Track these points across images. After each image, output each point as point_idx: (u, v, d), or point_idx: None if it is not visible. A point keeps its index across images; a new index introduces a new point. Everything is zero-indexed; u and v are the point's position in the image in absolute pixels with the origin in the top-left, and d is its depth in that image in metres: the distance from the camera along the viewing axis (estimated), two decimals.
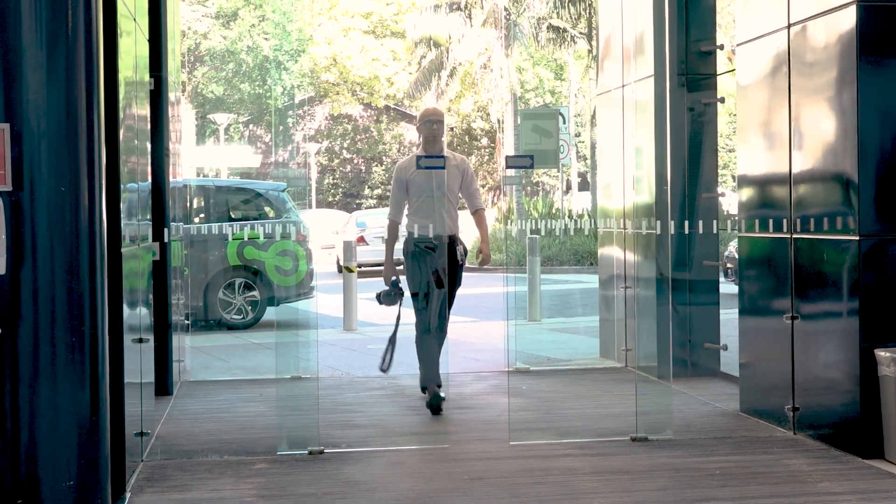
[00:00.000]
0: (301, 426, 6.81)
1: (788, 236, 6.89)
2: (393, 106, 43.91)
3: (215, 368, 10.31)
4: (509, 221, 25.78)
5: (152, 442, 6.75)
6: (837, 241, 6.40)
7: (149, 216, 7.31)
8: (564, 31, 31.19)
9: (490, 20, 32.06)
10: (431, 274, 7.66)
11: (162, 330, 8.27)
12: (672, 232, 8.54)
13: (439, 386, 7.79)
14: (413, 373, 8.40)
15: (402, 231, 8.08)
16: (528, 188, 39.77)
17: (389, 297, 8.01)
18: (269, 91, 38.90)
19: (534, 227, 13.38)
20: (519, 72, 37.30)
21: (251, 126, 42.71)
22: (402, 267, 7.96)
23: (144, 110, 6.95)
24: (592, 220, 12.54)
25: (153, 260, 7.28)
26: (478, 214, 8.11)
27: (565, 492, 5.67)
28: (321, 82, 41.37)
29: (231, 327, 13.40)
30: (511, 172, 13.03)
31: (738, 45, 7.63)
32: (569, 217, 25.24)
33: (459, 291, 8.04)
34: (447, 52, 33.14)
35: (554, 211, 28.65)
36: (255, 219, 14.20)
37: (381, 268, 8.27)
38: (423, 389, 7.86)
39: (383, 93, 41.68)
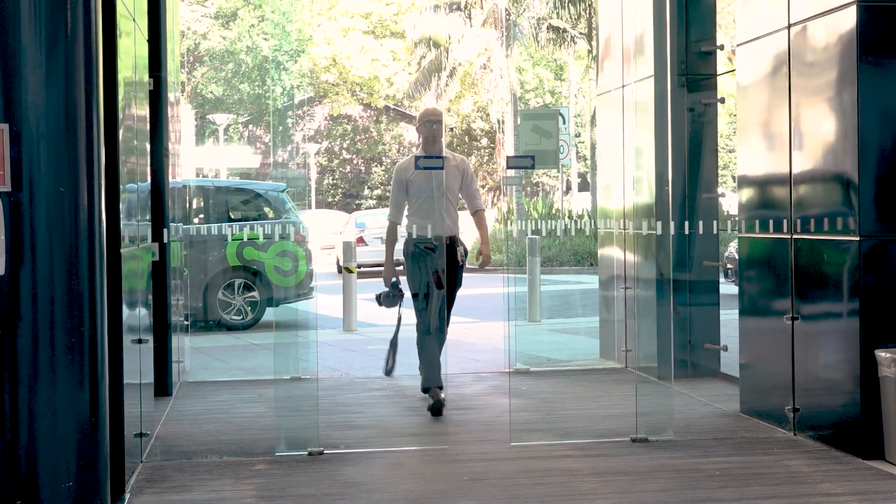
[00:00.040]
0: (300, 427, 6.80)
1: (789, 237, 6.89)
2: (392, 106, 43.92)
3: (215, 369, 10.30)
4: (509, 222, 25.78)
5: (152, 443, 6.74)
6: (838, 241, 6.39)
7: (148, 217, 7.30)
8: (564, 31, 31.19)
9: (490, 20, 32.05)
10: (431, 275, 7.64)
11: (161, 330, 8.26)
12: (672, 232, 8.53)
13: (440, 388, 7.76)
14: (413, 374, 8.39)
15: (402, 232, 8.07)
16: (528, 189, 39.77)
17: (389, 298, 7.99)
18: (268, 91, 38.91)
19: (535, 228, 13.38)
20: (519, 72, 37.30)
21: (250, 126, 42.71)
22: (401, 268, 7.94)
23: (144, 111, 6.94)
24: (592, 221, 12.54)
25: (152, 260, 7.27)
26: (478, 215, 8.09)
27: (565, 493, 5.66)
28: (321, 83, 41.38)
29: (230, 328, 13.39)
30: (511, 173, 13.01)
31: (738, 45, 7.62)
32: (569, 218, 25.24)
33: (459, 292, 8.04)
34: (447, 53, 33.14)
35: (554, 211, 28.65)
36: (255, 219, 14.19)
37: (380, 268, 8.26)
38: (425, 391, 7.83)
39: (383, 93, 41.69)
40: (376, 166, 45.30)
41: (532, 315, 13.42)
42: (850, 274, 6.29)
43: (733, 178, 26.68)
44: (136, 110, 6.38)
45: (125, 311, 5.65)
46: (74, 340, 5.04)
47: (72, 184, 5.04)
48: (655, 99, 8.85)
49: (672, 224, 8.52)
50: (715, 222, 8.88)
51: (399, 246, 7.93)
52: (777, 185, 7.07)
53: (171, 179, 8.71)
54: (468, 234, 8.30)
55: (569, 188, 36.68)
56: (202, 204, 14.20)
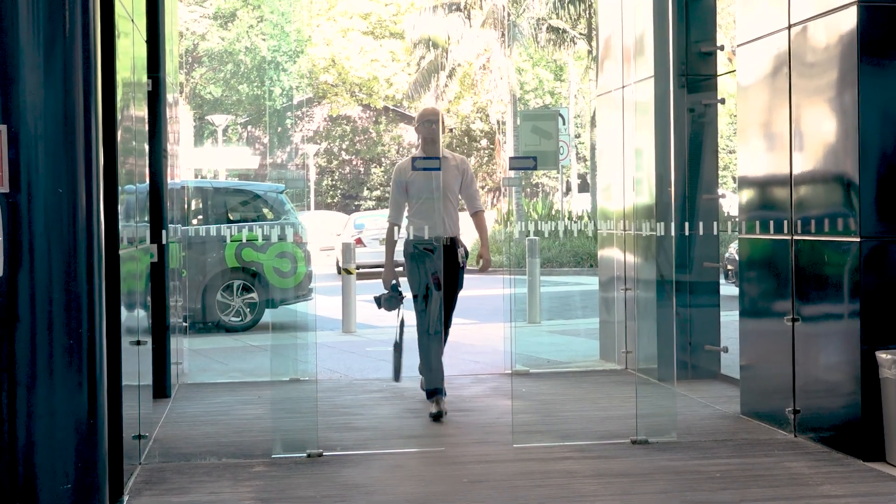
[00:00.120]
0: (299, 429, 6.79)
1: (789, 238, 6.87)
2: (392, 107, 43.93)
3: (213, 371, 10.29)
4: (509, 223, 25.76)
5: (150, 445, 6.73)
6: (838, 242, 6.37)
7: (147, 218, 7.29)
8: (564, 31, 31.18)
9: (489, 21, 32.05)
10: (431, 276, 7.60)
11: (160, 332, 8.24)
12: (672, 233, 8.52)
13: (444, 395, 7.70)
14: (413, 375, 8.37)
15: (403, 233, 8.02)
16: (528, 189, 39.76)
17: (389, 301, 7.91)
18: (266, 92, 38.90)
19: (538, 230, 13.35)
20: (518, 73, 37.31)
21: (249, 127, 42.70)
22: (400, 269, 7.90)
23: (142, 112, 6.93)
24: (592, 222, 12.52)
25: (151, 262, 7.26)
26: (477, 216, 8.03)
27: (565, 495, 5.64)
28: (320, 83, 41.37)
29: (229, 329, 13.38)
30: (512, 174, 13.00)
31: (738, 45, 7.61)
32: (569, 219, 25.24)
33: (460, 293, 8.00)
34: (446, 53, 33.13)
35: (554, 212, 28.64)
36: (254, 220, 14.17)
37: (378, 269, 8.21)
38: (429, 397, 7.75)
39: (382, 94, 41.69)
40: (375, 167, 45.30)
41: (532, 316, 13.41)
42: (850, 275, 6.28)
43: (734, 178, 26.68)
44: (134, 111, 6.36)
45: (124, 312, 5.64)
46: (73, 342, 5.03)
47: (70, 185, 5.02)
48: (656, 100, 8.84)
49: (672, 225, 8.50)
50: (715, 223, 8.87)
51: (399, 247, 7.88)
52: (777, 185, 7.06)
53: (169, 180, 8.70)
54: (468, 236, 8.27)
55: (569, 189, 36.67)
56: (201, 205, 14.18)
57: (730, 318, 8.81)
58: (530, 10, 31.04)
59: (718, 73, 9.09)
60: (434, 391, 7.65)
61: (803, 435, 6.79)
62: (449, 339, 7.99)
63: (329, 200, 44.20)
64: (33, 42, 4.99)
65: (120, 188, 5.60)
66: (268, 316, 13.60)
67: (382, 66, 40.65)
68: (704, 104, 8.98)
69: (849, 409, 6.32)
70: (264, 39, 39.76)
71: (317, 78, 41.03)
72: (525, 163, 7.72)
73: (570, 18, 30.59)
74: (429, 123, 7.83)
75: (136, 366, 6.19)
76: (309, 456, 6.47)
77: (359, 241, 22.18)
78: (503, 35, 31.49)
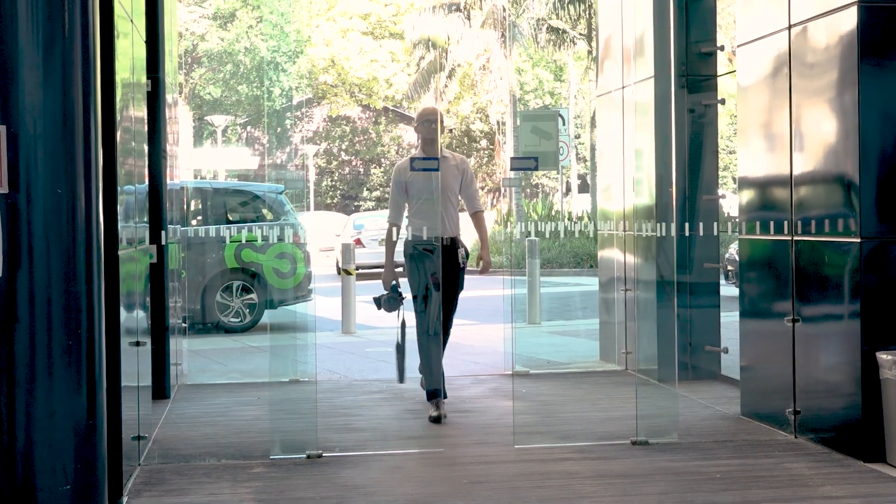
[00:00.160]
0: (299, 430, 6.78)
1: (789, 238, 6.86)
2: (391, 107, 43.92)
3: (213, 372, 10.28)
4: (509, 224, 25.76)
5: (149, 446, 6.72)
6: (838, 243, 6.37)
7: (146, 218, 7.28)
8: (564, 32, 31.18)
9: (489, 21, 32.04)
10: (430, 276, 7.58)
11: (159, 333, 8.23)
12: (673, 234, 8.51)
13: (444, 397, 7.68)
14: (414, 375, 8.35)
15: (403, 233, 7.99)
16: (528, 190, 39.76)
17: (389, 302, 7.89)
18: (266, 92, 38.90)
19: (539, 230, 13.34)
20: (518, 73, 37.31)
21: (249, 128, 42.69)
22: (400, 269, 7.88)
23: (141, 112, 6.92)
24: (592, 223, 12.52)
25: (150, 263, 7.25)
26: (477, 216, 8.00)
27: (565, 496, 5.63)
28: (319, 84, 41.36)
29: (229, 330, 13.37)
30: (513, 174, 13.00)
31: (738, 46, 7.60)
32: (568, 219, 25.23)
33: (460, 294, 7.96)
34: (446, 54, 33.12)
35: (554, 213, 28.63)
36: (253, 221, 14.16)
37: (377, 270, 8.18)
38: (428, 395, 7.73)
39: (382, 94, 41.70)
40: (375, 168, 45.30)
41: (532, 317, 13.40)
42: (850, 276, 6.27)
43: (734, 179, 26.68)
44: (133, 112, 6.35)
45: (123, 313, 5.63)
46: (72, 343, 5.02)
47: (69, 186, 5.01)
48: (656, 100, 8.82)
49: (673, 226, 8.49)
50: (715, 224, 8.86)
51: (399, 248, 7.85)
52: (777, 186, 7.05)
53: (168, 181, 8.69)
54: (468, 236, 8.26)
55: (568, 190, 36.67)
56: (200, 206, 14.17)
57: (730, 319, 8.80)
58: (530, 10, 31.04)
59: (718, 74, 9.08)
60: (434, 393, 7.63)
61: (804, 436, 6.78)
62: (449, 339, 7.96)
63: (329, 201, 44.19)
64: (32, 42, 4.98)
65: (119, 189, 5.59)
66: (266, 317, 13.59)
67: (382, 66, 40.66)
68: (704, 105, 8.97)
69: (849, 410, 6.31)
70: (264, 40, 39.75)
71: (316, 78, 41.03)
72: (526, 163, 7.71)
73: (570, 19, 30.59)
74: (428, 123, 7.80)
75: (136, 367, 6.19)
76: (308, 457, 6.46)
77: (358, 242, 22.17)
78: (503, 35, 31.49)
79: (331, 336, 12.82)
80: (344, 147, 45.60)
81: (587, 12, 29.62)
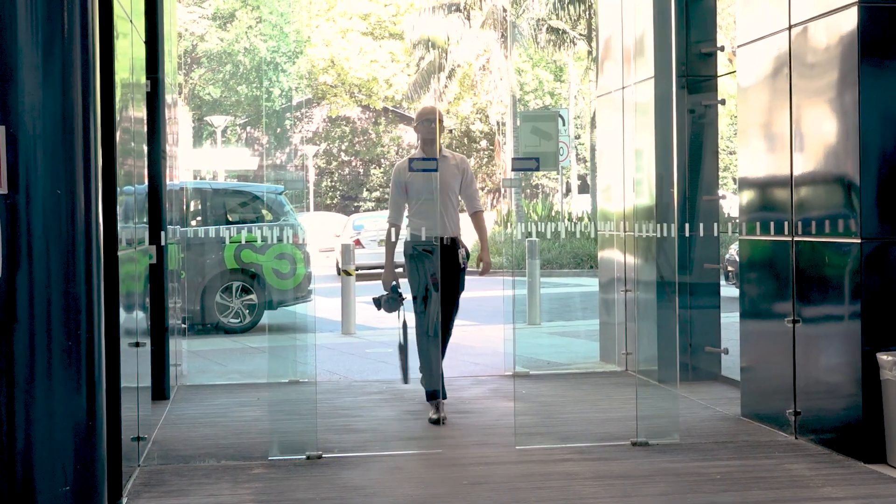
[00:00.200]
0: (299, 431, 6.77)
1: (789, 239, 6.86)
2: (391, 108, 43.91)
3: (212, 372, 10.27)
4: (509, 224, 25.75)
5: (149, 447, 6.71)
6: (839, 243, 6.36)
7: (145, 219, 7.28)
8: (564, 32, 31.17)
9: (489, 21, 32.04)
10: (430, 277, 7.55)
11: (159, 334, 8.22)
12: (673, 235, 8.50)
13: (444, 398, 7.65)
14: (415, 376, 8.33)
15: (403, 233, 7.96)
16: (528, 191, 39.75)
17: (389, 303, 7.87)
18: (265, 93, 38.90)
19: (540, 231, 13.33)
20: (518, 73, 37.30)
21: (248, 128, 42.68)
22: (400, 270, 7.86)
23: (141, 112, 6.91)
24: (592, 224, 12.52)
25: (150, 263, 7.24)
26: (476, 216, 7.97)
27: (566, 497, 5.63)
28: (319, 84, 41.35)
29: (228, 331, 13.35)
30: (512, 175, 12.98)
31: (738, 46, 7.60)
32: (569, 220, 25.22)
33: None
34: (446, 54, 33.11)
35: (554, 214, 28.62)
36: (253, 222, 14.15)
37: (376, 270, 8.15)
38: (427, 396, 7.70)
39: (381, 94, 41.68)
40: (375, 168, 45.28)
41: (532, 318, 13.38)
42: (851, 276, 6.27)
43: (734, 179, 26.67)
44: (133, 112, 6.35)
45: (122, 314, 5.62)
46: (71, 344, 5.01)
47: (69, 186, 5.00)
48: (657, 100, 8.82)
49: (674, 226, 8.48)
50: (715, 224, 8.85)
51: (399, 248, 7.83)
52: (778, 186, 7.04)
53: (168, 182, 8.68)
54: (468, 236, 8.24)
55: (568, 190, 36.66)
56: (200, 206, 14.16)
57: (730, 320, 8.79)
58: (530, 10, 31.03)
59: (719, 74, 9.08)
60: (433, 394, 7.61)
61: (804, 437, 6.78)
62: (450, 340, 7.92)
63: (328, 202, 44.17)
64: (31, 42, 4.97)
65: (119, 189, 5.58)
66: (266, 318, 13.58)
67: (382, 66, 40.65)
68: (705, 105, 8.97)
69: (850, 411, 6.30)
70: (263, 40, 39.74)
71: (316, 79, 41.02)
72: (528, 164, 7.69)
73: (570, 19, 30.58)
74: (428, 123, 7.75)
75: (135, 367, 6.18)
76: (308, 458, 6.46)
77: (357, 243, 22.15)
78: (503, 36, 31.49)
79: (330, 337, 12.81)
80: (343, 148, 45.59)
81: (587, 12, 29.62)
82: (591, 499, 5.59)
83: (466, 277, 7.84)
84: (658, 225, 8.68)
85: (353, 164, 45.88)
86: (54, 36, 5.00)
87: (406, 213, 7.87)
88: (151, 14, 8.04)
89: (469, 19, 32.48)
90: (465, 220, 8.13)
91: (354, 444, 6.90)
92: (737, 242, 8.01)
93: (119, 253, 5.53)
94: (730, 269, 12.50)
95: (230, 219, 14.23)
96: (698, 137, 8.99)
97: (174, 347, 8.87)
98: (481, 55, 33.33)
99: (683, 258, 8.79)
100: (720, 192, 9.26)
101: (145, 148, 7.26)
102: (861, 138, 6.15)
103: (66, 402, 5.02)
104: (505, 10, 31.47)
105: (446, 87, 34.25)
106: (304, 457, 6.46)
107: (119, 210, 5.58)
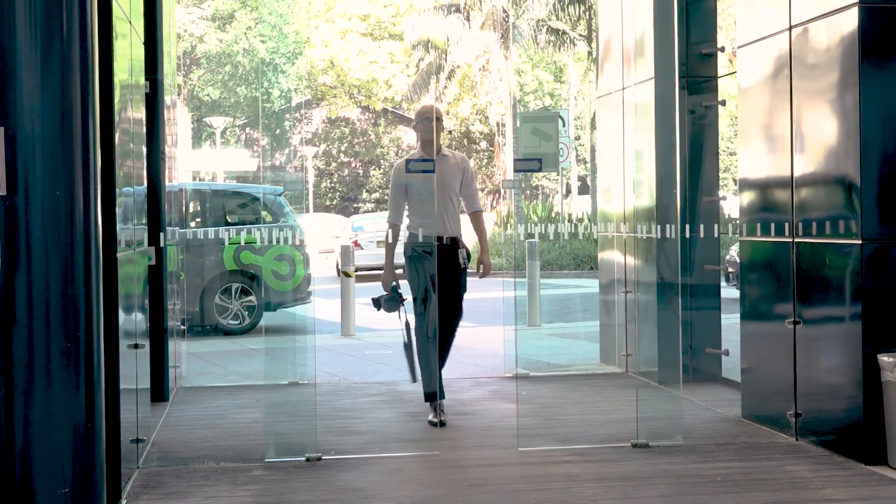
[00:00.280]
0: (298, 432, 6.76)
1: (790, 240, 6.84)
2: (391, 109, 43.90)
3: (211, 374, 10.25)
4: (509, 225, 25.74)
5: (148, 448, 6.70)
6: (839, 244, 6.35)
7: (144, 220, 7.26)
8: (564, 33, 31.16)
9: (489, 22, 32.03)
10: (430, 278, 7.52)
11: (158, 335, 8.21)
12: (673, 236, 8.49)
13: (437, 393, 7.62)
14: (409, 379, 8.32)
15: (404, 234, 7.92)
16: (528, 192, 39.75)
17: (389, 303, 7.83)
18: (264, 94, 38.89)
19: (542, 232, 13.33)
20: (518, 74, 37.30)
21: (247, 129, 42.67)
22: (400, 271, 7.83)
23: (140, 114, 6.89)
24: (592, 224, 12.51)
25: (149, 265, 7.23)
26: (476, 216, 7.93)
27: (566, 498, 5.61)
28: (318, 85, 41.34)
29: (227, 332, 13.34)
30: (512, 176, 12.99)
31: (739, 47, 7.59)
32: (569, 221, 25.22)
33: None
34: (445, 55, 33.11)
35: (554, 215, 28.61)
36: (252, 223, 14.14)
37: (375, 272, 8.12)
38: (426, 397, 7.67)
39: (381, 95, 41.67)
40: (374, 169, 45.27)
41: (532, 319, 13.37)
42: (852, 278, 6.25)
43: (734, 180, 26.69)
44: (132, 113, 6.33)
45: (121, 315, 5.61)
46: (70, 345, 5.00)
47: (67, 187, 4.99)
48: (659, 101, 8.80)
49: (672, 227, 8.47)
50: (716, 226, 8.84)
51: (399, 249, 7.79)
52: (778, 187, 7.03)
53: (167, 183, 8.67)
54: (469, 237, 8.23)
55: (569, 191, 36.66)
56: (199, 207, 14.15)
57: (731, 321, 8.78)
58: (530, 11, 31.03)
59: (719, 75, 9.07)
60: (432, 395, 7.59)
61: (805, 438, 6.76)
62: (453, 341, 7.86)
63: (328, 203, 44.16)
64: (30, 43, 4.96)
65: (118, 190, 5.57)
66: (265, 319, 13.56)
67: (381, 67, 40.64)
68: (705, 106, 8.96)
69: (850, 413, 6.29)
70: (262, 41, 39.72)
71: (315, 80, 41.01)
72: (530, 164, 7.67)
73: (570, 20, 30.57)
74: (427, 122, 7.69)
75: (134, 369, 6.16)
76: (308, 460, 6.44)
77: (356, 244, 22.14)
78: (503, 36, 31.48)
79: (330, 338, 12.80)
80: (343, 149, 45.58)
81: (587, 13, 29.61)
82: (591, 501, 5.57)
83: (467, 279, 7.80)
84: (659, 226, 8.66)
85: (353, 165, 45.87)
86: (53, 37, 4.99)
87: (406, 213, 7.83)
88: (150, 15, 8.04)
89: (469, 20, 32.47)
90: (465, 221, 8.11)
91: (354, 446, 6.88)
92: (737, 244, 8.00)
93: (118, 254, 5.51)
94: (730, 270, 12.50)
95: (229, 220, 14.22)
96: (699, 138, 8.98)
97: (173, 349, 8.86)
98: (481, 56, 33.33)
99: (684, 259, 8.78)
100: (720, 194, 9.25)
101: (144, 149, 7.24)
102: (862, 139, 6.14)
103: (64, 403, 5.01)
104: (505, 11, 31.47)
105: (446, 87, 34.24)
106: (304, 459, 6.45)
107: (118, 211, 5.57)
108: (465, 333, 12.44)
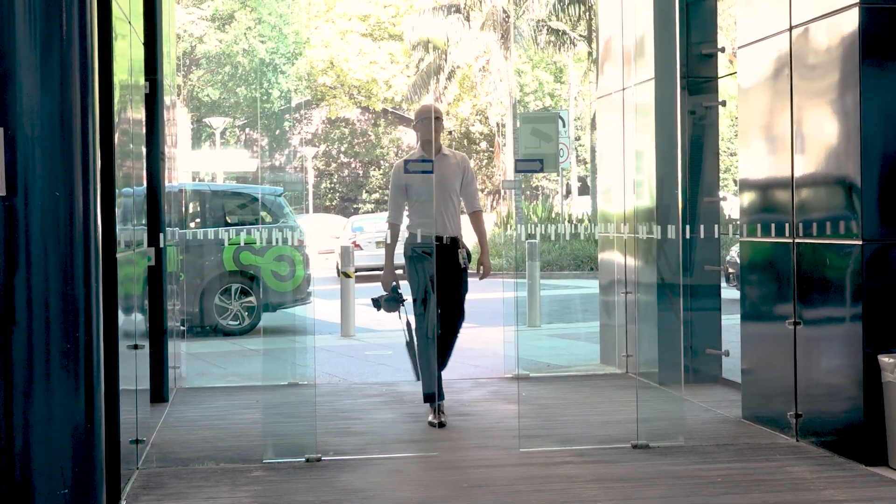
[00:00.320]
0: (298, 433, 6.75)
1: (790, 241, 6.84)
2: (391, 109, 43.89)
3: (211, 375, 10.25)
4: (509, 226, 25.74)
5: (148, 449, 6.69)
6: (840, 245, 6.34)
7: (144, 221, 7.26)
8: (564, 33, 31.15)
9: (489, 22, 32.02)
10: (429, 279, 7.51)
11: (157, 336, 8.21)
12: (673, 236, 8.49)
13: (436, 394, 7.60)
14: (411, 378, 8.31)
15: (404, 234, 7.90)
16: (528, 193, 39.74)
17: (389, 303, 7.82)
18: (264, 94, 38.89)
19: (543, 233, 13.34)
20: (518, 75, 37.29)
21: (247, 130, 42.66)
22: (399, 271, 7.82)
23: (140, 114, 6.89)
24: (592, 225, 12.52)
25: (149, 265, 7.22)
26: (475, 216, 7.90)
27: (566, 499, 5.61)
28: (318, 85, 41.34)
29: (227, 333, 13.33)
30: (512, 176, 12.99)
31: (739, 47, 7.58)
32: (569, 221, 25.22)
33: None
34: (445, 55, 33.10)
35: (554, 215, 28.61)
36: (252, 223, 14.13)
37: (375, 272, 8.10)
38: (425, 398, 7.66)
39: (381, 96, 41.66)
40: (374, 170, 45.26)
41: (532, 320, 13.36)
42: (852, 278, 6.25)
43: (735, 181, 26.69)
44: (131, 114, 6.33)
45: (121, 316, 5.60)
46: (70, 346, 4.99)
47: (67, 188, 4.98)
48: (660, 102, 8.80)
49: (672, 228, 8.47)
50: (716, 226, 8.84)
51: (399, 249, 7.78)
52: (779, 188, 7.02)
53: (167, 183, 8.67)
54: (469, 237, 8.22)
55: (569, 192, 36.65)
56: (199, 208, 14.14)
57: (731, 322, 8.77)
58: (530, 11, 31.02)
59: (719, 76, 9.06)
60: (430, 396, 7.57)
61: (805, 439, 6.76)
62: (455, 342, 7.84)
63: (328, 203, 44.16)
64: (30, 43, 4.96)
65: (117, 191, 5.56)
66: (265, 320, 13.55)
67: (381, 68, 40.63)
68: (705, 106, 8.95)
69: (851, 414, 6.28)
70: (262, 42, 39.72)
71: (315, 80, 41.00)
72: (531, 165, 7.66)
73: (570, 20, 30.57)
74: (427, 121, 7.67)
75: (134, 370, 6.16)
76: (307, 461, 6.44)
77: (356, 245, 22.12)
78: (503, 37, 31.48)
79: (330, 339, 12.79)
80: (343, 149, 45.56)
81: (587, 14, 29.60)
82: (592, 502, 5.57)
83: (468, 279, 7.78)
84: (659, 227, 8.66)
85: (353, 165, 45.86)
86: (53, 37, 4.99)
87: (406, 212, 7.82)
88: (150, 15, 8.03)
89: (469, 20, 32.46)
90: (465, 221, 8.10)
91: (354, 447, 6.88)
92: (737, 244, 8.00)
93: (118, 255, 5.51)
94: (730, 270, 12.50)
95: (229, 220, 14.21)
96: (699, 139, 8.98)
97: (173, 350, 8.86)
98: (481, 56, 33.31)
99: (684, 260, 8.77)
100: (721, 194, 9.25)
101: (144, 149, 7.24)
102: (862, 139, 6.14)
103: (64, 404, 5.01)
104: (505, 12, 31.46)
105: (446, 88, 34.24)
106: (304, 459, 6.44)
107: (118, 212, 5.56)
108: (466, 334, 12.42)
